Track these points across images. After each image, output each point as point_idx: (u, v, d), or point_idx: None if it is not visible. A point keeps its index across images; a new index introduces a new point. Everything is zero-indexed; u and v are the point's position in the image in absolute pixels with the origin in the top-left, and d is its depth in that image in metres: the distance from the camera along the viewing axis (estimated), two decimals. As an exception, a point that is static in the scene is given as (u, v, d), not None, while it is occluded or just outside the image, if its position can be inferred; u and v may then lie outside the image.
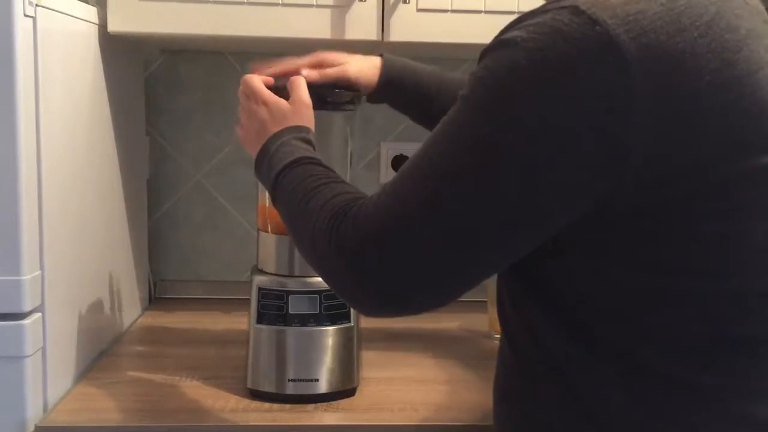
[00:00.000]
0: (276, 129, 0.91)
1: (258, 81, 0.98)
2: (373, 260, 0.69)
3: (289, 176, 0.84)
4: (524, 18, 0.66)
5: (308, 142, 0.91)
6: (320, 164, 0.86)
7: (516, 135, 0.62)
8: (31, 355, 0.95)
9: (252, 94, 0.96)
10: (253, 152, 0.94)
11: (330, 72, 1.05)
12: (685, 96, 0.61)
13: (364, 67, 1.07)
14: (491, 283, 1.38)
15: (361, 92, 1.08)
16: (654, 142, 0.60)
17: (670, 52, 0.61)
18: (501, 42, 0.65)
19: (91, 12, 1.16)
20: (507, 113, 0.63)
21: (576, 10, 0.62)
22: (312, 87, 1.05)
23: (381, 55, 1.08)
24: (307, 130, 0.93)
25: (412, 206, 0.67)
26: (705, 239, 0.64)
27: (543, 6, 0.65)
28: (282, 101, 0.95)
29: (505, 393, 0.78)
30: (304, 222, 0.78)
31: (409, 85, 1.08)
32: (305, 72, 1.03)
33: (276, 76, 1.01)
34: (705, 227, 0.63)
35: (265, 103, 0.94)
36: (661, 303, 0.65)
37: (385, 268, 0.68)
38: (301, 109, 0.95)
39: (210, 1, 1.19)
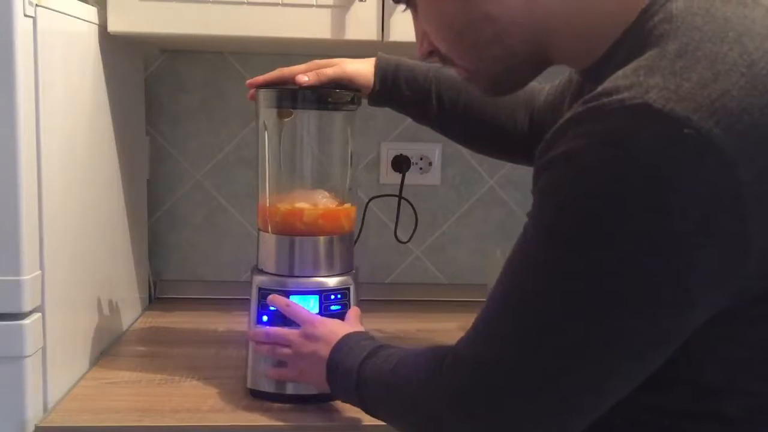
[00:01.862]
0: (330, 347, 0.91)
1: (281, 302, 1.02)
2: (484, 410, 0.64)
3: (368, 381, 0.82)
4: (579, 119, 0.56)
5: (368, 338, 0.90)
6: (391, 346, 0.85)
7: (622, 270, 0.55)
8: (31, 355, 0.95)
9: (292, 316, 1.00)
10: (319, 383, 0.94)
11: (328, 71, 1.05)
12: None
13: (361, 66, 1.07)
14: (491, 284, 1.38)
15: (362, 92, 1.08)
16: None
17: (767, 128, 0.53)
18: (563, 155, 0.56)
19: (91, 12, 1.16)
20: (602, 248, 0.55)
21: (649, 111, 0.52)
22: (313, 88, 1.06)
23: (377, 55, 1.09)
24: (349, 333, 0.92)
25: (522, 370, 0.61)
26: None
27: (598, 100, 0.55)
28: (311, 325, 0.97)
29: None
30: (401, 396, 0.76)
31: (404, 80, 1.06)
32: (302, 77, 1.03)
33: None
34: None
35: (310, 338, 0.95)
36: None
37: (498, 416, 0.63)
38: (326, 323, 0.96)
39: (210, 1, 1.19)
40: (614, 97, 0.54)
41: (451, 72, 1.07)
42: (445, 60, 0.75)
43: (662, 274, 0.54)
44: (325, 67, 1.06)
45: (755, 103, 0.53)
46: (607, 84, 0.56)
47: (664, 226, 0.53)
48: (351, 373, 0.85)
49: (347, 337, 0.90)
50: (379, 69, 1.07)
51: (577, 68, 0.71)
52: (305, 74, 1.04)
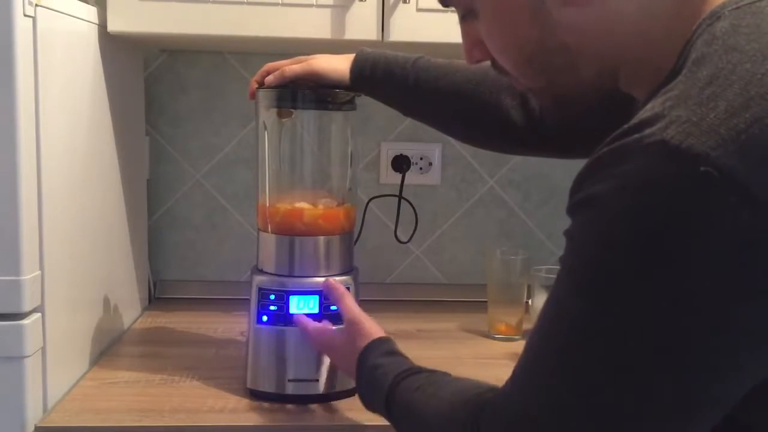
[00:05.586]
0: (354, 357, 0.91)
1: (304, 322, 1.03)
2: None
3: (396, 406, 0.80)
4: (603, 160, 0.51)
5: (391, 353, 0.89)
6: (416, 372, 0.81)
7: (650, 330, 0.49)
8: (31, 355, 0.95)
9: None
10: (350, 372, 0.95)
11: (295, 68, 1.05)
12: None
13: (334, 62, 1.05)
14: (491, 284, 1.39)
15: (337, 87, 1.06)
16: None
17: None
18: (587, 201, 0.52)
19: (91, 12, 1.16)
20: (625, 304, 0.49)
21: (665, 149, 0.47)
22: (311, 88, 1.06)
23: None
24: (377, 342, 0.91)
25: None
26: None
27: (621, 139, 0.50)
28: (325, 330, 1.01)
29: None
30: None
31: (380, 75, 1.04)
32: (267, 78, 1.04)
33: None
34: None
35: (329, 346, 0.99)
36: None
37: None
38: (351, 327, 0.96)
39: (210, 1, 1.19)
40: (635, 135, 0.49)
41: (434, 61, 1.04)
42: (502, 71, 0.69)
43: (693, 335, 0.48)
44: (294, 64, 1.06)
45: None
46: (635, 119, 0.50)
47: (687, 284, 0.47)
48: (381, 392, 0.82)
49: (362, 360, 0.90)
50: (356, 64, 1.05)
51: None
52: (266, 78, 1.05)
